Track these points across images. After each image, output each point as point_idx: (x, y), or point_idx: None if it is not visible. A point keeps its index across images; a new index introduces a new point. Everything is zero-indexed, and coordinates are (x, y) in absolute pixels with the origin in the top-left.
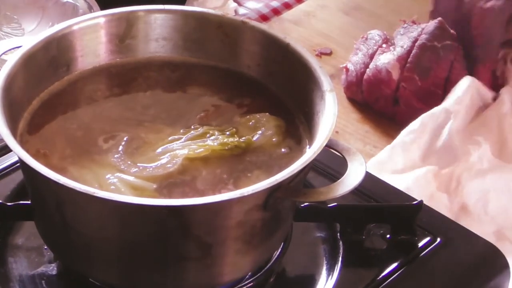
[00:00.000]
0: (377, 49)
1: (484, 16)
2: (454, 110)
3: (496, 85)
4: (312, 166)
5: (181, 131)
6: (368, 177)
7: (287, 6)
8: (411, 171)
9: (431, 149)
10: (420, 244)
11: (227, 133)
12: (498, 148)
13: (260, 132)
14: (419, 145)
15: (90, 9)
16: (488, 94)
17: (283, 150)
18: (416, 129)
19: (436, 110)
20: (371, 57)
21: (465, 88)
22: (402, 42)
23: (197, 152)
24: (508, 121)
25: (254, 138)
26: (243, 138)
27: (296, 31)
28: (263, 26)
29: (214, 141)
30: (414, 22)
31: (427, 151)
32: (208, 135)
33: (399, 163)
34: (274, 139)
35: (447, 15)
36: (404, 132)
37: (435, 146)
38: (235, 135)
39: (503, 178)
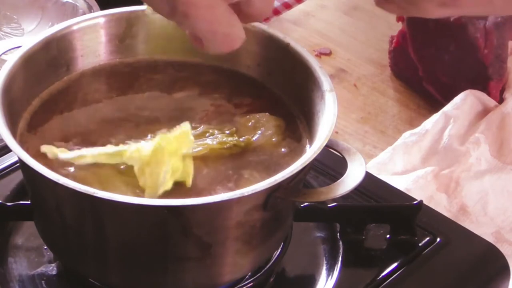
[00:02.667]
0: None
1: (488, 35)
2: (453, 115)
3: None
4: (312, 166)
5: None
6: (368, 177)
7: (287, 6)
8: (411, 173)
9: (431, 152)
10: (420, 244)
11: (227, 132)
12: (497, 148)
13: (259, 132)
14: (420, 148)
15: (90, 9)
16: (491, 101)
17: (283, 150)
18: (418, 132)
19: (436, 115)
20: None
21: (463, 96)
22: None
23: (196, 151)
24: (510, 120)
25: (254, 138)
26: (243, 137)
27: (295, 31)
28: (263, 26)
29: (213, 140)
30: None
31: (427, 154)
32: (207, 134)
33: (400, 165)
34: (273, 139)
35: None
36: (405, 135)
37: (436, 149)
38: (235, 135)
39: (502, 179)
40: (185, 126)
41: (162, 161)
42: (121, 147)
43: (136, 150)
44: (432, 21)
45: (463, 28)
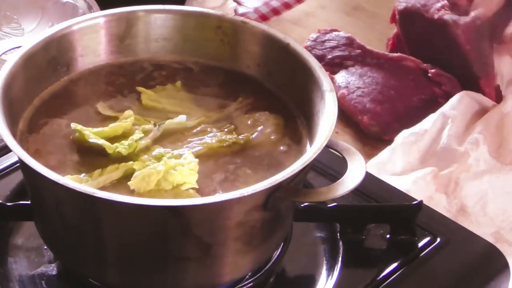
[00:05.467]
0: None
1: (469, 30)
2: (451, 115)
3: (500, 97)
4: (312, 166)
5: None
6: (368, 177)
7: (287, 6)
8: (410, 173)
9: (430, 152)
10: (420, 244)
11: (225, 130)
12: (496, 148)
13: (258, 129)
14: (418, 148)
15: (90, 9)
16: (488, 100)
17: (282, 148)
18: (416, 132)
19: (434, 114)
20: None
21: (459, 97)
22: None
23: (195, 151)
24: (509, 120)
25: (253, 136)
26: (242, 135)
27: (296, 31)
28: (263, 26)
29: (212, 138)
30: None
31: (426, 154)
32: (206, 133)
33: (399, 165)
34: (272, 137)
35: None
36: (404, 134)
37: (434, 149)
38: (233, 132)
39: (501, 179)
40: (181, 118)
41: (163, 192)
42: (126, 167)
43: (142, 179)
44: (418, 20)
45: (445, 26)
